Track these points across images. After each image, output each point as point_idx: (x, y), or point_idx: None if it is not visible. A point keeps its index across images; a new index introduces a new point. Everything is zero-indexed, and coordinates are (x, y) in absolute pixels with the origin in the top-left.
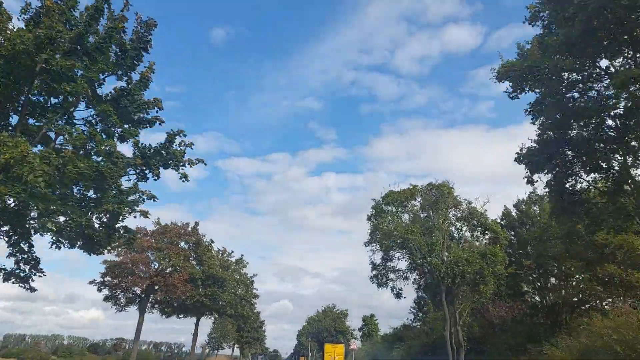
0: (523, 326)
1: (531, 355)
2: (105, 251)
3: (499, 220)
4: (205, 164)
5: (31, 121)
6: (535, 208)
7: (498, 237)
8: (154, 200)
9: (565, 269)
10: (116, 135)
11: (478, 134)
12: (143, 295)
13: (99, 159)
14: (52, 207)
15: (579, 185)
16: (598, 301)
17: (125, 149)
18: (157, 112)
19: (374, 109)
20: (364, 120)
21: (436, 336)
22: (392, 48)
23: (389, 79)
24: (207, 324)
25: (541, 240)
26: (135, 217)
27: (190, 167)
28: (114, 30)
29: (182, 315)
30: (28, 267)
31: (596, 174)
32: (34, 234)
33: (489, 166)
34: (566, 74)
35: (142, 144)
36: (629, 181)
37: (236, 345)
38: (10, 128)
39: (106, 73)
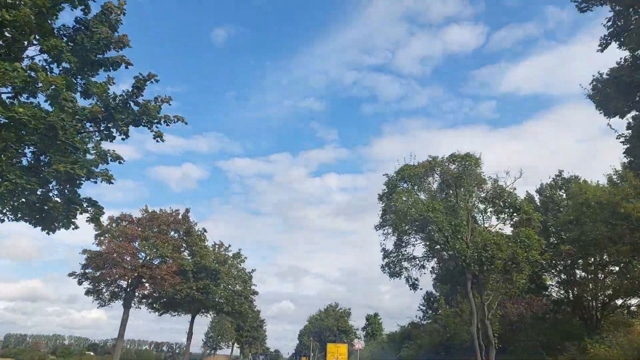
0: (546, 323)
1: (571, 354)
2: (67, 228)
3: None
4: (186, 123)
5: None
6: (561, 193)
7: (531, 219)
8: (119, 162)
9: (608, 254)
10: (78, 88)
11: (480, 134)
12: (128, 289)
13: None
14: None
15: None
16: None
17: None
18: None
19: (376, 109)
20: (365, 120)
21: (450, 334)
22: (393, 48)
23: (390, 79)
24: (206, 322)
25: (578, 223)
26: (95, 182)
27: (167, 125)
28: None
29: (176, 313)
30: None
31: None
32: None
33: (490, 166)
34: None
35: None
36: None
37: (236, 345)
38: None
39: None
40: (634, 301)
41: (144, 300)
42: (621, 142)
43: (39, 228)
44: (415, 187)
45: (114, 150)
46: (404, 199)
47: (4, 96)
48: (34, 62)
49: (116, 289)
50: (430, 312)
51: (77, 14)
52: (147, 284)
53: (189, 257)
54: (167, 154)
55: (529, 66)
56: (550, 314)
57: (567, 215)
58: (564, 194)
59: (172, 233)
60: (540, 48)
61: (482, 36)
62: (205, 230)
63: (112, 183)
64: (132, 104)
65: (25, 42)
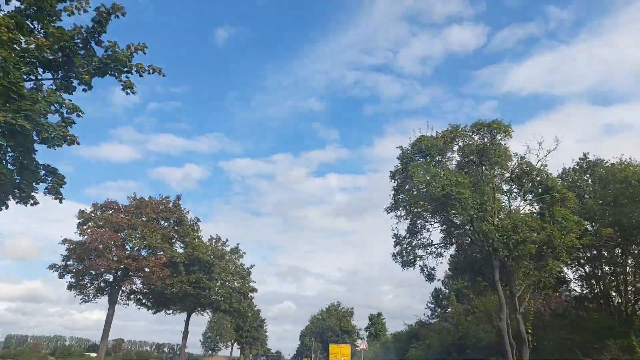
0: (565, 320)
1: (614, 354)
2: (26, 204)
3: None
4: (164, 75)
5: None
6: (586, 177)
7: (565, 199)
8: (78, 115)
9: None
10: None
11: None
12: (114, 284)
13: None
14: None
15: None
16: None
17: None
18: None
19: (377, 110)
20: (366, 120)
21: (462, 333)
22: (394, 48)
23: (391, 79)
24: (205, 322)
25: (616, 205)
26: (53, 147)
27: (141, 75)
28: None
29: (170, 312)
30: None
31: None
32: None
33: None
34: None
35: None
36: None
37: (236, 346)
38: None
39: None
40: None
41: (133, 296)
42: None
43: (40, 228)
44: (434, 162)
45: (70, 101)
46: (422, 172)
47: None
48: None
49: (102, 284)
50: (439, 310)
51: None
52: (134, 278)
53: (180, 249)
54: (168, 155)
55: (530, 66)
56: (572, 310)
57: (598, 199)
58: (589, 179)
59: (162, 222)
60: (541, 48)
61: (483, 36)
62: (198, 220)
63: (76, 144)
64: (94, 45)
65: None
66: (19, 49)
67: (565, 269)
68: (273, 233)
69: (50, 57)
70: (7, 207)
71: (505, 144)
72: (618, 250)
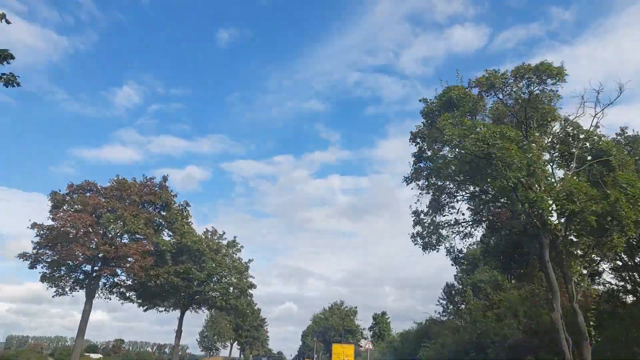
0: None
1: None
2: None
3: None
4: (13, 58)
5: None
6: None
7: (624, 165)
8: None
9: None
10: None
11: None
12: (94, 274)
13: None
14: None
15: None
16: None
17: None
18: None
19: (379, 111)
20: (368, 121)
21: (481, 330)
22: (396, 49)
23: (393, 80)
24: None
25: None
26: None
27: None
28: None
29: (163, 309)
30: None
31: None
32: None
33: None
34: None
35: None
36: None
37: (236, 346)
38: None
39: None
40: None
41: (115, 290)
42: None
43: None
44: (464, 119)
45: None
46: (453, 125)
47: None
48: None
49: (81, 276)
50: (452, 307)
51: None
52: (116, 268)
53: (169, 238)
54: (170, 156)
55: None
56: (605, 305)
57: None
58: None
59: (147, 207)
60: (544, 48)
61: (485, 37)
62: (188, 204)
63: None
64: None
65: None
66: None
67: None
68: (275, 234)
69: None
70: None
71: (557, 89)
72: None
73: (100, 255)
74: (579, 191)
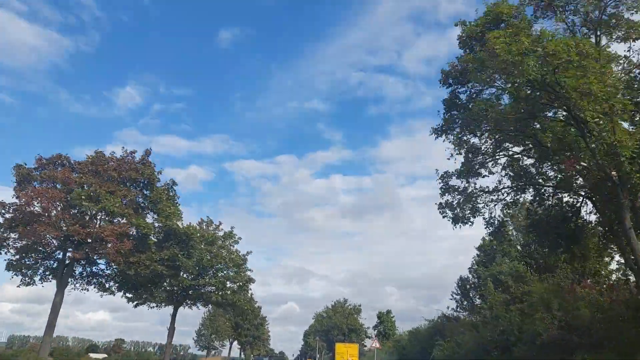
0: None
1: None
2: None
3: None
4: None
5: None
6: None
7: None
8: None
9: None
10: None
11: None
12: (66, 261)
13: None
14: None
15: None
16: None
17: None
18: None
19: (381, 110)
20: (371, 121)
21: (503, 327)
22: (399, 49)
23: (395, 80)
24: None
25: None
26: None
27: None
28: None
29: (154, 305)
30: None
31: None
32: None
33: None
34: None
35: None
36: None
37: (237, 346)
38: None
39: None
40: None
41: (94, 280)
42: None
43: None
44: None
45: None
46: (506, 42)
47: None
48: None
49: (55, 264)
50: (466, 302)
51: None
52: (88, 252)
53: (153, 221)
54: (172, 156)
55: None
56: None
57: None
58: None
59: (127, 184)
60: None
61: None
62: (175, 183)
63: None
64: None
65: None
66: None
67: None
68: (278, 234)
69: None
70: None
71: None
72: None
73: (73, 238)
74: None
